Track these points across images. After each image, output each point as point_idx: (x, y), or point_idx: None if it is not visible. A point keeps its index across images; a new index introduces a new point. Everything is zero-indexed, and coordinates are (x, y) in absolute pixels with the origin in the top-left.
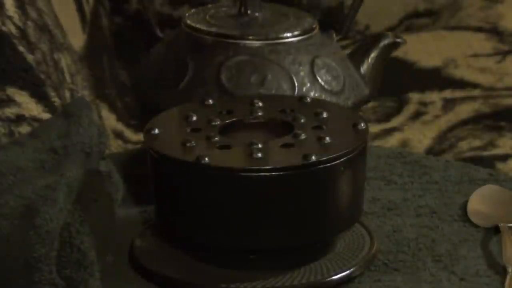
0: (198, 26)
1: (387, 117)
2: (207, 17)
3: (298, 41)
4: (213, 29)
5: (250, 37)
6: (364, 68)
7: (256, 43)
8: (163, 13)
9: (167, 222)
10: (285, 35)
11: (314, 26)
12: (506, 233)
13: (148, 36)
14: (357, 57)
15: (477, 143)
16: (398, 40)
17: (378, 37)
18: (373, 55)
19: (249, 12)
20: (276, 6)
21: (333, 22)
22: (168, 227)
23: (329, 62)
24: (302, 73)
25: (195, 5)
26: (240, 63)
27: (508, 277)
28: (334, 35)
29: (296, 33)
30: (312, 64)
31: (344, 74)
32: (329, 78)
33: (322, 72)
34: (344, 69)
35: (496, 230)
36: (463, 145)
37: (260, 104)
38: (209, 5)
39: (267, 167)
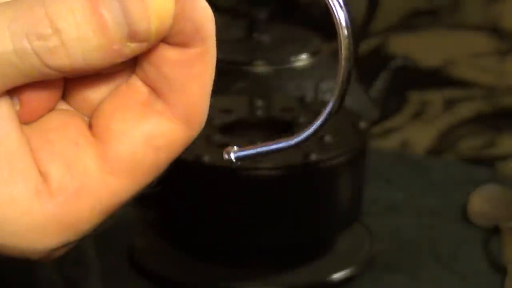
0: None
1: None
2: None
3: (303, 65)
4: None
5: (254, 63)
6: (373, 91)
7: (259, 69)
8: None
9: (167, 221)
10: (289, 59)
11: (320, 48)
12: (506, 233)
13: None
14: (366, 80)
15: (477, 143)
16: (408, 62)
17: (387, 59)
18: (382, 77)
19: (255, 35)
20: (284, 27)
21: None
22: (167, 226)
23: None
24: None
25: None
26: (242, 89)
27: (508, 277)
28: None
29: (300, 57)
30: (316, 88)
31: (351, 97)
32: None
33: (327, 96)
34: (351, 91)
35: (496, 230)
36: (463, 145)
37: (260, 103)
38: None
39: (267, 166)
